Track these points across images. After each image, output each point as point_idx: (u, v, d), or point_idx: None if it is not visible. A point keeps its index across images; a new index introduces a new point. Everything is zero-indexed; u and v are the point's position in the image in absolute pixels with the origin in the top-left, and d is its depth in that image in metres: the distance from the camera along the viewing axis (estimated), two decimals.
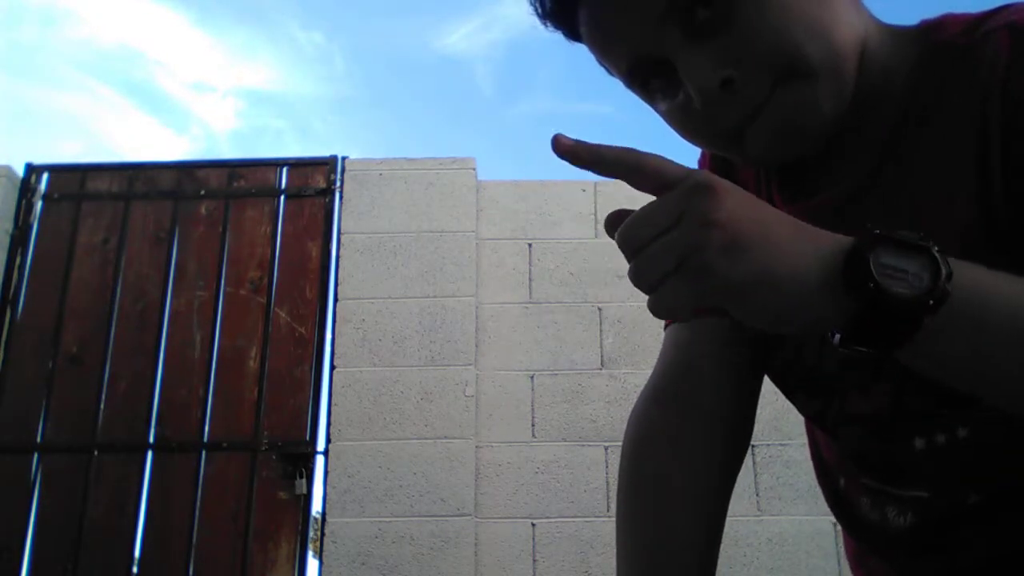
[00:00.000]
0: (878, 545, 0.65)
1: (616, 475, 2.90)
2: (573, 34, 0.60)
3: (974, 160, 0.53)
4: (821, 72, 0.55)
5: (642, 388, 0.77)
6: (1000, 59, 0.53)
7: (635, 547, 0.71)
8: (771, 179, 0.68)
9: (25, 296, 3.17)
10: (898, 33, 0.61)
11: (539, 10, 0.60)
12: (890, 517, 0.62)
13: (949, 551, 0.58)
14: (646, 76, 0.58)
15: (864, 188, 0.59)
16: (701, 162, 0.76)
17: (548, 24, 0.60)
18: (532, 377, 3.03)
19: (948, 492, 0.57)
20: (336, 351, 3.04)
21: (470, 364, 3.01)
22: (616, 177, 0.49)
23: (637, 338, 3.04)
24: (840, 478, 0.68)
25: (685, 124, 0.60)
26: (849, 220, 0.58)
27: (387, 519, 2.85)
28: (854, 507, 0.66)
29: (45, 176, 3.32)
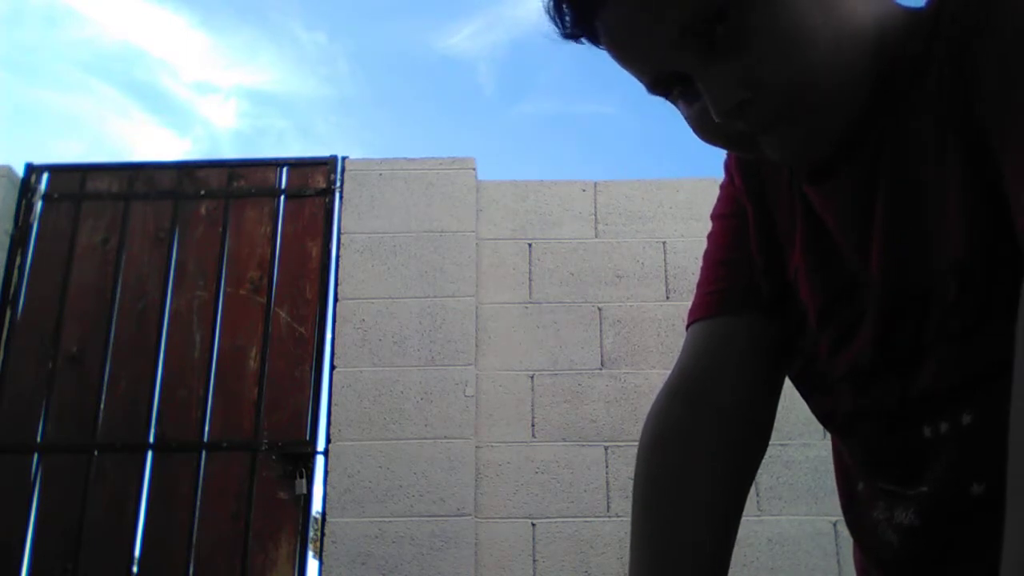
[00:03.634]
0: (884, 558, 0.64)
1: (616, 475, 2.92)
2: (596, 43, 0.62)
3: (959, 129, 0.53)
4: (831, 102, 0.57)
5: (644, 386, 0.78)
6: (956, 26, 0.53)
7: (647, 544, 0.72)
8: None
9: (25, 296, 3.17)
10: (915, 15, 0.61)
11: (559, 27, 0.61)
12: (896, 517, 0.62)
13: (950, 564, 0.58)
14: (667, 87, 0.61)
15: (874, 166, 0.60)
16: (728, 156, 0.78)
17: (568, 36, 0.61)
18: (532, 377, 3.03)
19: (950, 482, 0.57)
20: (336, 351, 3.04)
21: (470, 364, 3.01)
22: None
23: (637, 338, 3.04)
24: (859, 482, 0.68)
25: (703, 130, 0.62)
26: (861, 197, 0.60)
27: (387, 519, 2.85)
28: (869, 510, 0.66)
29: (45, 176, 3.32)
